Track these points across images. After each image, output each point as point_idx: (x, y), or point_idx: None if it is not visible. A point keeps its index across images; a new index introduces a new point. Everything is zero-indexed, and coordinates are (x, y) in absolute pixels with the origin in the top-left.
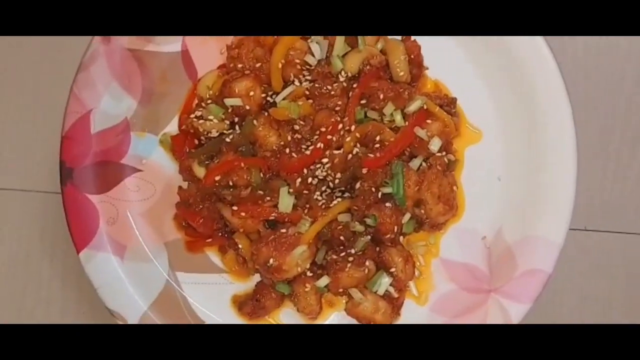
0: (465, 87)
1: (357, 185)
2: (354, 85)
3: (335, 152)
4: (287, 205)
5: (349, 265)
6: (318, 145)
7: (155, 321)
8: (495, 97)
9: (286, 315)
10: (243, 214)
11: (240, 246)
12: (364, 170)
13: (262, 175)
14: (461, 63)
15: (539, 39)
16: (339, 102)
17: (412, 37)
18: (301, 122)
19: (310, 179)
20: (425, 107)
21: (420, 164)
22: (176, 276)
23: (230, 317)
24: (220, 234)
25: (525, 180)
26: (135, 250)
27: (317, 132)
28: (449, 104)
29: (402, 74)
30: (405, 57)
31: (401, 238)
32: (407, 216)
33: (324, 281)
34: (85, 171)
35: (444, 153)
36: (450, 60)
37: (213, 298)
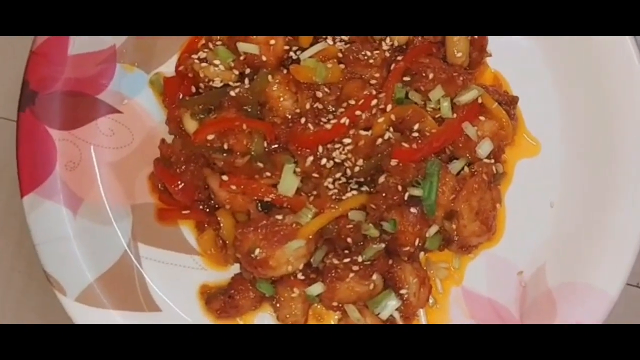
0: (530, 86)
1: (381, 179)
2: (399, 57)
3: (362, 132)
4: (290, 187)
5: (351, 275)
6: (342, 120)
7: (100, 297)
8: (565, 105)
9: (261, 322)
10: (233, 187)
11: (222, 226)
12: (393, 162)
13: (265, 144)
14: (529, 57)
15: (627, 41)
16: (377, 74)
17: None
18: (326, 90)
19: (324, 161)
20: (480, 100)
21: (462, 169)
22: (137, 248)
23: (194, 310)
24: (200, 207)
25: (583, 213)
26: (93, 206)
27: (344, 105)
28: (508, 103)
29: (459, 55)
30: (466, 37)
31: (421, 254)
32: (434, 229)
33: (316, 289)
34: (52, 99)
35: (492, 161)
36: (517, 51)
37: (177, 283)
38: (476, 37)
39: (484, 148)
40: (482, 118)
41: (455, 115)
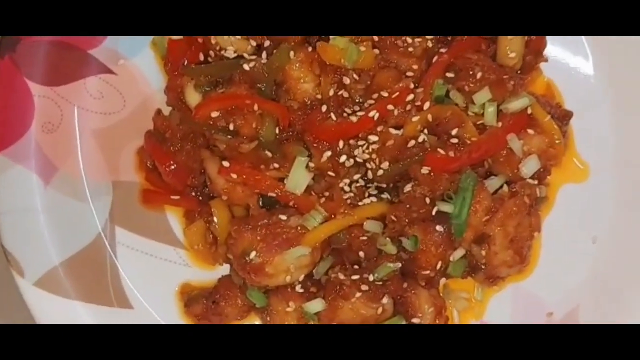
0: (585, 102)
1: (407, 187)
2: (442, 50)
3: (392, 131)
4: (299, 184)
5: (358, 294)
6: (371, 113)
7: (63, 284)
8: (621, 129)
9: None
10: (234, 175)
11: (215, 219)
12: (424, 170)
13: (277, 130)
14: (587, 67)
15: None
16: (415, 66)
17: None
18: (355, 76)
19: (343, 158)
20: (530, 111)
21: (500, 187)
22: (114, 232)
23: (170, 312)
24: (192, 194)
25: (630, 253)
26: (68, 178)
27: (374, 97)
28: (560, 118)
29: (512, 55)
30: (522, 36)
31: (441, 281)
32: (460, 253)
33: (316, 306)
34: (36, 48)
35: (535, 182)
36: (573, 59)
37: (155, 279)
38: (533, 37)
39: (530, 166)
40: (530, 131)
41: (500, 124)
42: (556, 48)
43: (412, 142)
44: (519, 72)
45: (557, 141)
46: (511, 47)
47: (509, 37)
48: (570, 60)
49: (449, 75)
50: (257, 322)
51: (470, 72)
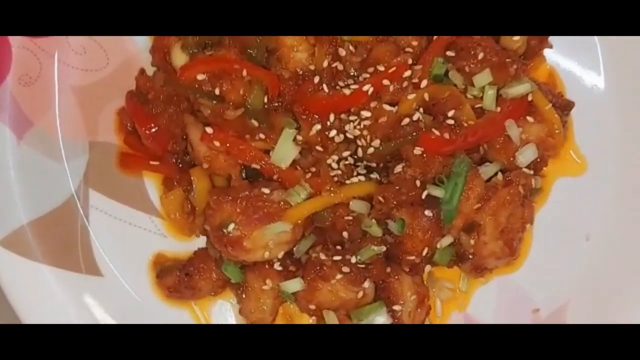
0: (589, 93)
1: (397, 168)
2: None
3: (386, 107)
4: (285, 157)
5: (339, 276)
6: (365, 87)
7: (30, 245)
8: (624, 124)
9: (218, 311)
10: (217, 143)
11: (194, 187)
12: (416, 151)
13: (266, 99)
14: (595, 58)
15: None
16: (415, 42)
17: None
18: (351, 48)
19: (333, 133)
20: (530, 97)
21: (494, 175)
22: (87, 195)
23: (141, 282)
24: (173, 160)
25: (624, 253)
26: (43, 134)
27: (370, 70)
28: (561, 107)
29: (516, 38)
30: None
31: (426, 268)
32: (448, 240)
33: (294, 285)
34: None
35: (531, 172)
36: (581, 49)
37: (127, 246)
38: None
39: (526, 155)
40: (529, 119)
41: (499, 109)
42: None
43: (407, 121)
44: (521, 57)
45: (556, 131)
46: None
47: None
48: (576, 48)
49: (450, 54)
50: (231, 299)
51: (472, 53)
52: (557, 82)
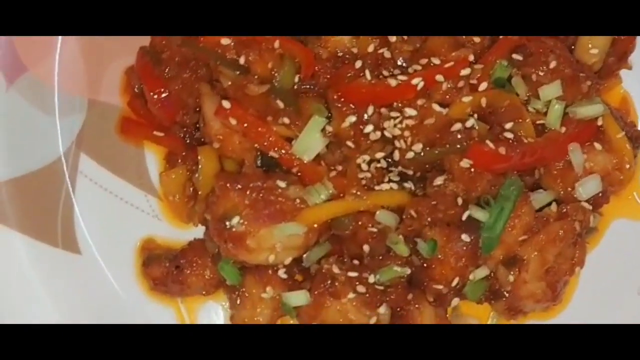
0: None
1: (437, 180)
2: None
3: (437, 107)
4: (310, 148)
5: (351, 295)
6: (414, 81)
7: (4, 207)
8: None
9: (206, 314)
10: (234, 121)
11: (200, 168)
12: (463, 163)
13: (297, 78)
14: None
15: None
16: (478, 38)
17: None
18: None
19: (369, 128)
20: (600, 122)
21: (547, 205)
22: (78, 159)
23: (124, 268)
24: (181, 133)
25: None
26: (37, 83)
27: (422, 62)
28: (633, 139)
29: (594, 52)
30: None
31: (454, 301)
32: (483, 272)
33: (298, 298)
34: None
35: (590, 207)
36: None
37: (114, 224)
38: (622, 37)
39: (588, 187)
40: (597, 146)
41: (563, 129)
42: None
43: (458, 126)
44: (596, 74)
45: (627, 165)
46: (594, 41)
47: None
48: None
49: (516, 57)
50: (223, 302)
51: (543, 59)
52: (630, 110)
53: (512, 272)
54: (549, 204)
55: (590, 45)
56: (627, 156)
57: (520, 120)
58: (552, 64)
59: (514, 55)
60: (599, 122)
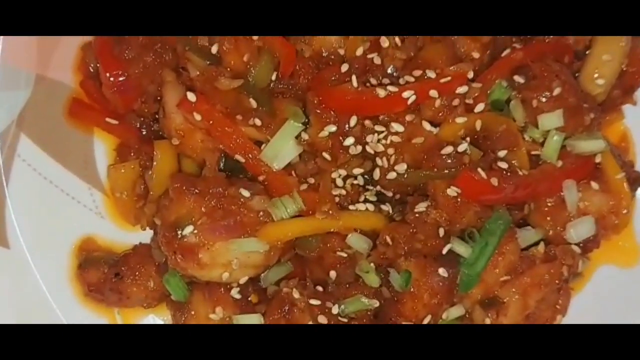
0: None
1: (419, 206)
2: (517, 45)
3: (427, 126)
4: (280, 156)
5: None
6: (405, 94)
7: None
8: None
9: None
10: (198, 116)
11: (154, 165)
12: (450, 190)
13: (274, 76)
14: None
15: None
16: (477, 54)
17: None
18: (396, 41)
19: (349, 141)
20: (599, 159)
21: (535, 245)
22: (16, 140)
23: (57, 269)
24: (137, 124)
25: None
26: None
27: (415, 74)
28: (630, 181)
29: (600, 82)
30: (619, 63)
31: None
32: (458, 311)
33: (250, 321)
34: None
35: (579, 251)
36: None
37: (50, 218)
38: (630, 69)
39: (580, 230)
40: (593, 185)
41: (560, 163)
42: None
43: (449, 150)
44: (600, 105)
45: (624, 210)
46: (601, 71)
47: (604, 56)
48: None
49: (517, 79)
50: (165, 318)
51: (546, 84)
52: (629, 148)
53: (489, 315)
54: (536, 243)
55: (596, 75)
56: (625, 200)
57: (515, 149)
58: (556, 91)
59: (516, 77)
60: (597, 159)
